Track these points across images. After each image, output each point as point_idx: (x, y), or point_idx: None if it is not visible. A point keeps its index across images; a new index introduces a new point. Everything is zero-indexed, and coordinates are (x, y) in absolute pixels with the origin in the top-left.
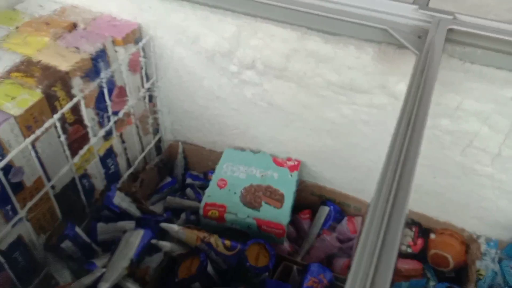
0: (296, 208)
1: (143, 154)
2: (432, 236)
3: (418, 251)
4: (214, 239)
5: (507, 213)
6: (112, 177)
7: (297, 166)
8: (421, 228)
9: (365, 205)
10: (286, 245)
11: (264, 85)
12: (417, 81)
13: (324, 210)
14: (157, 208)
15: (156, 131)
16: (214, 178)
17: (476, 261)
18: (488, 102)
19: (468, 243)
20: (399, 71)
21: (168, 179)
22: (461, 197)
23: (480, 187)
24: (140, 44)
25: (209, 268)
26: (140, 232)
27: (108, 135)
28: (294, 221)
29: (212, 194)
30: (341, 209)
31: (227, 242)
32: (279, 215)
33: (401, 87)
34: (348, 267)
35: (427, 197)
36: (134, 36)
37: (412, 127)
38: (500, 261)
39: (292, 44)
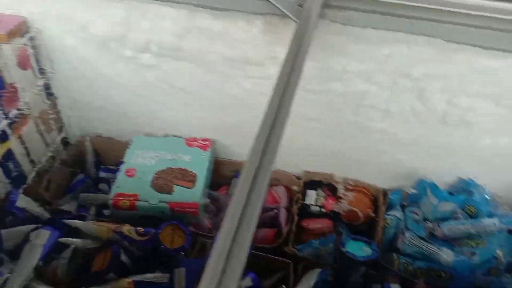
0: (216, 186)
1: (49, 154)
2: (343, 193)
3: (330, 210)
4: (126, 228)
5: (405, 164)
6: (16, 180)
7: (209, 145)
8: (332, 188)
9: (283, 174)
10: (207, 222)
11: (162, 67)
12: (295, 48)
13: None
14: (71, 206)
15: (61, 127)
16: (122, 168)
17: (383, 211)
18: (370, 62)
19: (375, 195)
20: (285, 41)
21: (80, 176)
22: (362, 154)
23: (377, 143)
24: (27, 38)
25: (124, 257)
26: (46, 233)
27: (3, 137)
28: (215, 199)
29: (121, 185)
30: None
31: (140, 229)
32: (192, 195)
33: None
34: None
35: (333, 159)
36: (20, 30)
37: (284, 89)
38: (404, 208)
39: (183, 23)
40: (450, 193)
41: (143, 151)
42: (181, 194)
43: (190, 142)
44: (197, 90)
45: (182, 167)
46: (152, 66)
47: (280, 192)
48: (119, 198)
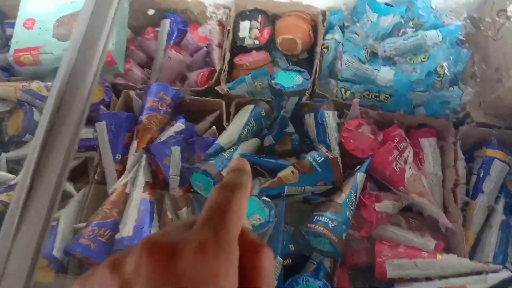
0: (140, 29)
1: None
2: (278, 21)
3: (266, 40)
4: (35, 85)
5: None
6: None
7: None
8: (268, 16)
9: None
10: (139, 72)
11: None
12: None
13: (164, 24)
14: None
15: None
16: (18, 19)
17: (323, 36)
18: None
19: (315, 20)
20: None
21: None
22: None
23: None
24: None
25: (37, 116)
26: None
27: None
28: (140, 45)
29: (20, 39)
30: (185, 18)
31: (50, 84)
32: None
33: None
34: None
35: None
36: None
37: None
38: (345, 29)
39: None
40: (389, 5)
41: None
42: None
43: None
44: None
45: None
46: None
47: (211, 28)
48: (19, 54)
